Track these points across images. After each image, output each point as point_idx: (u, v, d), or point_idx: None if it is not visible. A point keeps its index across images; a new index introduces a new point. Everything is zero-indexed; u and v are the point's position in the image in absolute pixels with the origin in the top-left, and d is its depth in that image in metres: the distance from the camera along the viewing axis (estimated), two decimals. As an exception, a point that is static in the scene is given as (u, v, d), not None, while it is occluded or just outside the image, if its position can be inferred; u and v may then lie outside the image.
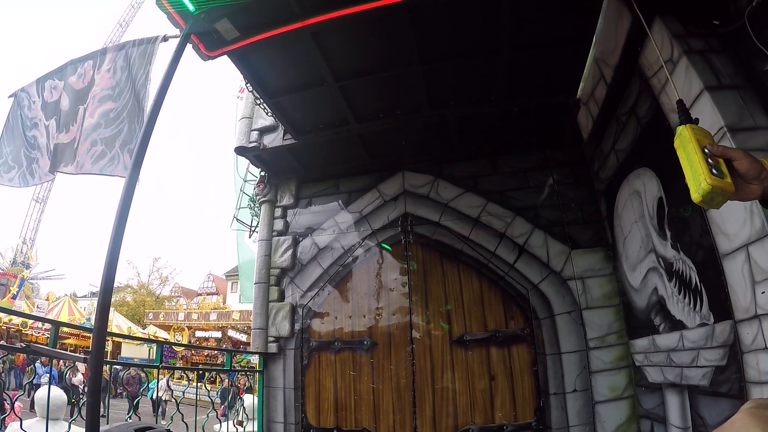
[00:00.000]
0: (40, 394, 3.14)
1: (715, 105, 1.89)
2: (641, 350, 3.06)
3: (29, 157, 3.16)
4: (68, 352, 3.89)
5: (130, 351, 20.14)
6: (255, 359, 4.88)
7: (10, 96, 3.39)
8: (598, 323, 3.41)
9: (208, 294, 27.69)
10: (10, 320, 15.48)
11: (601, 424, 3.22)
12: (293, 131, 3.89)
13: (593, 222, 3.65)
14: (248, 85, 3.55)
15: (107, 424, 2.02)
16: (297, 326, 4.05)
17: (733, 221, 1.88)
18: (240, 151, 4.27)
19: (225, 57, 2.80)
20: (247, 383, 8.15)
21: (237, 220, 6.56)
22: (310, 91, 3.34)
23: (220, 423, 3.65)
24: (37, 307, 18.83)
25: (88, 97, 2.92)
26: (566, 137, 3.82)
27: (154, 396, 4.25)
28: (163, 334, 19.58)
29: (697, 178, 0.84)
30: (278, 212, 4.48)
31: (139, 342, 17.50)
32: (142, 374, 11.39)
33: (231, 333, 20.73)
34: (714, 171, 0.84)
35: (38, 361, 10.36)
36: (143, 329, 19.64)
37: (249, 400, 4.03)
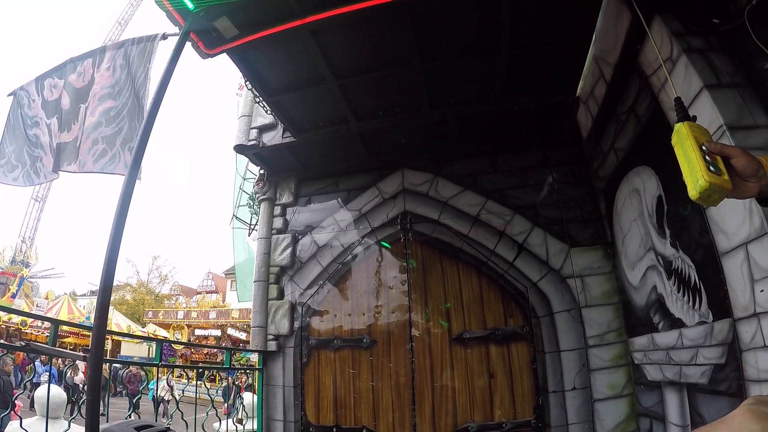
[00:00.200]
0: (40, 392, 3.15)
1: (715, 103, 1.89)
2: (640, 348, 3.07)
3: (33, 156, 3.14)
4: (68, 351, 3.89)
5: (130, 349, 20.21)
6: (254, 357, 4.88)
7: (9, 94, 3.38)
8: (598, 321, 3.41)
9: (207, 292, 27.64)
10: (9, 319, 15.48)
11: (600, 422, 3.23)
12: (292, 129, 3.88)
13: (592, 220, 3.66)
14: (247, 83, 3.54)
15: (107, 422, 2.02)
16: (296, 324, 4.05)
17: (732, 219, 1.88)
18: (239, 149, 4.26)
19: (224, 55, 2.79)
20: (247, 381, 8.15)
21: (236, 218, 6.55)
22: (310, 89, 3.33)
23: (220, 421, 3.66)
24: (37, 305, 18.86)
25: (88, 95, 2.91)
26: (566, 136, 3.82)
27: (155, 395, 4.23)
28: (162, 333, 19.57)
29: (695, 175, 0.84)
30: (277, 210, 4.48)
31: (138, 340, 17.59)
32: (143, 373, 11.40)
33: (230, 331, 20.78)
34: (711, 168, 0.84)
35: (38, 360, 10.38)
36: (143, 327, 19.64)
37: (248, 398, 4.04)
